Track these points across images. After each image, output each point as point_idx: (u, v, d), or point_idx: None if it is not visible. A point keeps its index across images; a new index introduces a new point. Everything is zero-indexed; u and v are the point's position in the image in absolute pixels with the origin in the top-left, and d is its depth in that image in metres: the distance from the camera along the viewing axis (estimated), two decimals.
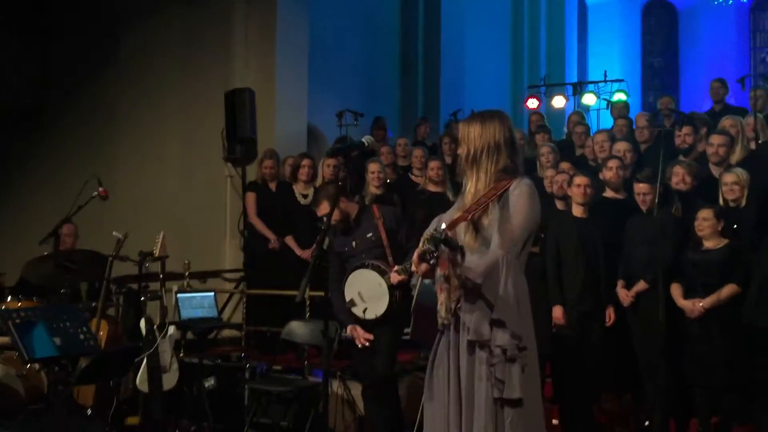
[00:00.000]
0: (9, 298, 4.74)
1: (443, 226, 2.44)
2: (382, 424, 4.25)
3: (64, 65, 8.54)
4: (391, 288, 4.16)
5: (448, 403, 2.70)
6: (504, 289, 2.62)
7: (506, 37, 13.07)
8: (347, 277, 4.29)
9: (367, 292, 4.23)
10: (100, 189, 5.00)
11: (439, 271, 2.59)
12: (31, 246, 5.28)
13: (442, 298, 2.61)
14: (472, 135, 2.78)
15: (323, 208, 4.22)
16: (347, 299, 4.27)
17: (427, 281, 2.68)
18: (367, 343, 4.20)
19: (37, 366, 4.53)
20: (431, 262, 2.45)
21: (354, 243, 4.35)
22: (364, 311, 4.23)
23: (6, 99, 8.70)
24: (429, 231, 2.51)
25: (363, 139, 3.14)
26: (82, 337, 3.65)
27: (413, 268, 2.66)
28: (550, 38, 13.51)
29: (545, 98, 11.03)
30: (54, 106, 8.61)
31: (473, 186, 2.76)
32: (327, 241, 3.99)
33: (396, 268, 4.16)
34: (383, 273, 4.20)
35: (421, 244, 2.45)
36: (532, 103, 10.56)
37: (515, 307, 2.65)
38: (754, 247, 4.50)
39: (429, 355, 2.84)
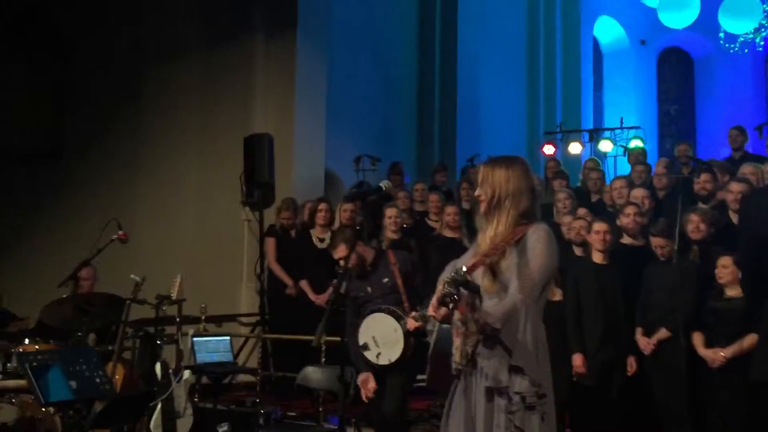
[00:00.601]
0: (27, 341, 4.75)
1: (464, 269, 2.43)
2: None
3: (84, 108, 8.69)
4: (407, 334, 4.12)
5: None
6: (523, 334, 2.61)
7: (522, 83, 13.18)
8: (363, 322, 4.27)
9: (382, 337, 4.20)
10: (120, 232, 5.03)
11: (456, 315, 2.58)
12: (50, 289, 5.31)
13: (457, 342, 2.59)
14: (497, 178, 2.77)
15: (340, 251, 4.23)
16: (361, 343, 4.23)
17: (445, 326, 2.65)
18: (371, 395, 4.18)
19: (51, 410, 4.51)
20: (450, 305, 2.43)
21: (369, 288, 4.34)
22: (378, 356, 4.20)
23: (25, 142, 8.86)
24: (448, 275, 2.49)
25: (381, 184, 3.16)
26: (97, 380, 3.65)
27: (431, 312, 2.64)
28: (566, 85, 13.60)
29: (561, 144, 11.07)
30: (73, 150, 8.74)
31: (492, 230, 2.74)
32: (343, 285, 3.97)
33: (413, 314, 4.12)
34: (399, 318, 4.17)
35: (440, 287, 2.44)
36: (549, 150, 10.59)
37: (534, 353, 2.63)
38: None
39: (444, 402, 2.81)
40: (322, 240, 6.38)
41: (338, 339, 4.05)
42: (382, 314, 4.22)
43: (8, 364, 4.48)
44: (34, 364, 3.47)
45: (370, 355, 4.22)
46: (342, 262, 4.23)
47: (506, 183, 2.77)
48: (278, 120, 7.70)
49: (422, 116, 11.32)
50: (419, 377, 4.11)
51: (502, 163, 2.82)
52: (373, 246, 4.66)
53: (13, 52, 8.80)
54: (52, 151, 8.80)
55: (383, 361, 4.19)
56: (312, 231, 6.51)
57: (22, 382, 4.19)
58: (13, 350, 4.52)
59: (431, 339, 2.81)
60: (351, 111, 9.27)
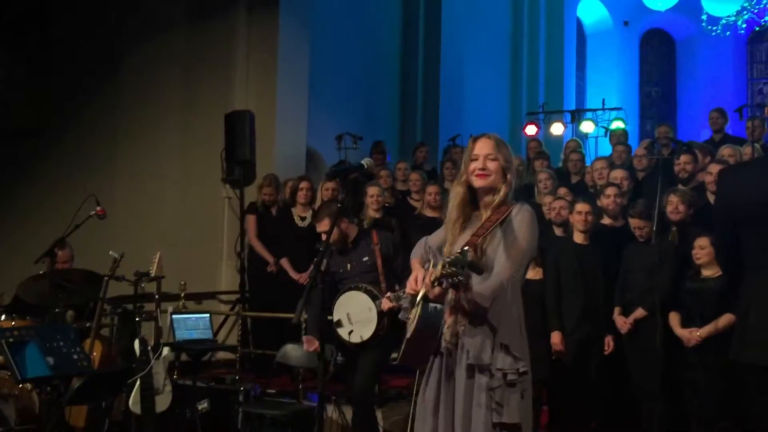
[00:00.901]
0: (3, 317, 4.70)
1: (468, 249, 2.41)
2: None
3: (65, 85, 8.57)
4: (381, 314, 4.18)
5: (438, 426, 2.68)
6: (508, 312, 2.64)
7: (505, 63, 13.17)
8: (338, 297, 4.31)
9: (356, 315, 4.25)
10: (98, 208, 4.98)
11: (450, 295, 2.58)
12: (27, 265, 5.26)
13: (449, 321, 2.59)
14: (506, 154, 2.78)
15: (324, 225, 4.24)
16: (335, 319, 4.29)
17: (431, 306, 2.65)
18: (312, 349, 4.26)
19: (29, 386, 4.49)
20: (456, 284, 2.40)
21: (349, 265, 4.36)
22: (350, 333, 4.25)
23: (6, 118, 8.73)
24: (449, 254, 2.44)
25: (362, 162, 3.14)
26: (75, 357, 3.63)
27: (422, 290, 2.64)
28: (549, 66, 13.62)
29: (543, 125, 11.10)
30: (54, 126, 8.62)
31: (486, 209, 2.74)
32: (324, 262, 3.97)
33: (388, 294, 4.19)
34: (375, 298, 4.22)
35: (439, 267, 2.41)
36: (531, 130, 10.61)
37: (519, 331, 2.67)
38: None
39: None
40: (303, 218, 6.36)
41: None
42: (359, 292, 4.27)
43: None
44: (11, 340, 3.44)
45: (342, 332, 4.27)
46: (324, 236, 4.24)
47: (511, 159, 2.79)
48: (260, 97, 7.63)
49: (405, 95, 11.28)
50: (393, 355, 4.15)
51: (501, 140, 2.81)
52: (357, 224, 4.66)
53: None
54: (31, 128, 8.68)
55: (355, 338, 4.24)
56: (293, 209, 6.49)
57: None
58: None
59: (409, 318, 2.82)
60: (333, 89, 9.21)
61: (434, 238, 2.95)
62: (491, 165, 2.75)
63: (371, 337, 4.20)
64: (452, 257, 2.39)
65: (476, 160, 2.77)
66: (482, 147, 2.78)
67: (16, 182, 8.67)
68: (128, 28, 8.26)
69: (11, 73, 8.72)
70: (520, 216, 2.70)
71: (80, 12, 8.47)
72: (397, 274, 4.27)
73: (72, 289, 4.87)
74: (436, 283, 2.52)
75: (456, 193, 2.82)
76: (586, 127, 10.72)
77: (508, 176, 2.77)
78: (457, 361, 2.67)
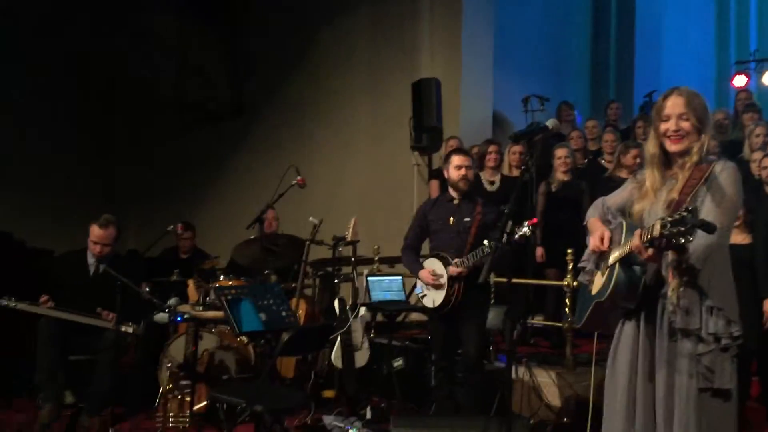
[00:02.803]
0: (222, 277, 5.25)
1: (694, 209, 2.29)
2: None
3: (262, 64, 9.24)
4: (450, 279, 4.20)
5: (635, 389, 2.61)
6: (720, 275, 2.52)
7: (710, 6, 12.07)
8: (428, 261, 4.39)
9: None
10: (299, 178, 5.35)
11: (671, 256, 2.49)
12: (239, 231, 5.80)
13: (674, 284, 2.49)
14: (700, 109, 2.61)
15: (463, 160, 4.36)
16: (417, 289, 4.44)
17: (622, 273, 2.57)
18: (434, 280, 4.27)
19: (245, 339, 4.99)
20: (681, 246, 2.29)
21: (451, 219, 4.38)
22: (423, 298, 4.37)
23: (211, 98, 9.63)
24: (671, 215, 2.30)
25: (547, 123, 3.08)
26: (284, 314, 3.96)
27: (619, 252, 2.56)
28: (762, 6, 12.26)
29: (755, 75, 10.06)
30: (253, 104, 9.36)
31: (686, 168, 2.59)
32: (509, 224, 3.91)
33: (455, 260, 4.18)
34: (447, 264, 4.24)
35: (658, 227, 2.30)
36: (740, 81, 9.67)
37: (731, 294, 2.53)
38: None
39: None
40: (492, 183, 6.36)
41: (505, 280, 4.08)
42: (433, 259, 4.34)
43: (207, 298, 4.99)
44: (229, 297, 3.83)
45: (426, 300, 4.36)
46: (461, 171, 4.30)
47: (706, 114, 2.62)
48: (445, 64, 7.71)
49: (596, 49, 10.78)
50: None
51: (694, 93, 2.64)
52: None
53: (189, 21, 9.53)
54: (233, 106, 9.49)
55: (428, 303, 4.33)
56: (481, 173, 6.51)
57: (219, 314, 4.67)
58: (211, 285, 5.02)
59: (592, 280, 2.74)
60: (519, 50, 9.04)
61: (614, 199, 2.84)
62: (685, 125, 2.59)
63: (443, 303, 4.24)
64: (677, 216, 2.24)
65: (667, 120, 2.62)
66: (674, 106, 2.61)
67: (225, 157, 9.56)
68: (318, 7, 8.67)
69: (214, 54, 9.55)
70: (726, 173, 2.54)
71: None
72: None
73: (278, 253, 5.30)
74: (648, 245, 2.42)
75: (651, 155, 2.68)
76: None
77: (706, 133, 2.61)
78: (659, 326, 2.57)
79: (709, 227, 2.26)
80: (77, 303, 4.66)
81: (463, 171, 4.38)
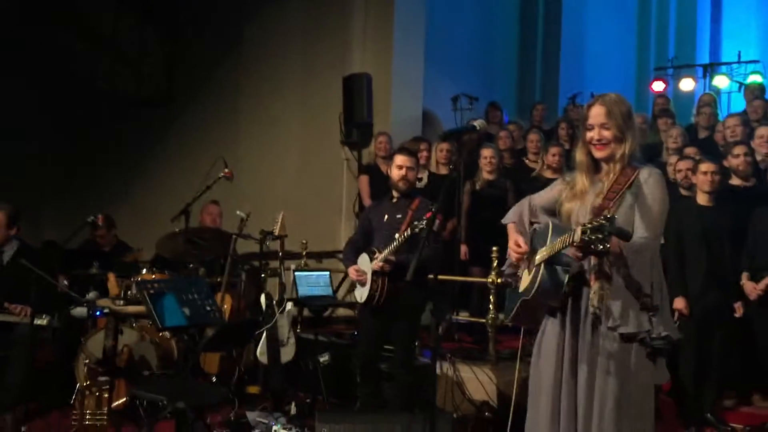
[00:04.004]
0: (144, 271, 5.12)
1: (614, 216, 2.39)
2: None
3: (190, 53, 9.03)
4: (373, 274, 4.23)
5: (560, 388, 2.70)
6: (651, 275, 2.60)
7: (632, 15, 12.50)
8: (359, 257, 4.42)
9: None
10: (226, 170, 5.27)
11: (593, 261, 2.58)
12: (163, 223, 5.66)
13: (595, 287, 2.58)
14: (622, 116, 2.68)
15: (405, 161, 4.33)
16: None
17: (544, 271, 2.64)
18: (356, 276, 4.31)
19: (168, 334, 4.89)
20: (600, 251, 2.37)
21: (386, 216, 4.39)
22: (358, 294, 4.42)
23: (138, 86, 9.35)
24: (591, 221, 2.38)
25: (474, 123, 3.14)
26: (208, 308, 3.88)
27: (543, 253, 2.63)
28: (681, 16, 12.79)
29: (672, 81, 10.51)
30: (182, 93, 9.14)
31: (612, 171, 2.69)
32: (436, 223, 3.97)
33: (377, 255, 4.23)
34: (372, 259, 4.28)
35: (578, 233, 2.38)
36: (658, 86, 10.09)
37: (660, 295, 2.63)
38: None
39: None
40: (419, 179, 6.42)
41: (431, 277, 4.12)
42: (364, 255, 4.37)
43: (129, 292, 4.85)
44: (152, 291, 3.73)
45: (357, 295, 4.41)
46: (401, 171, 4.30)
47: (628, 121, 2.69)
48: (377, 60, 7.72)
49: (523, 53, 11.01)
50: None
51: (620, 100, 2.72)
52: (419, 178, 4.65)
53: (123, 10, 9.25)
54: (161, 95, 9.25)
55: (358, 298, 4.38)
56: None
57: (140, 308, 4.55)
58: (132, 279, 4.88)
59: (518, 278, 2.82)
60: (450, 49, 9.14)
61: (540, 199, 2.93)
62: (606, 134, 2.69)
63: (368, 298, 4.25)
64: (595, 223, 2.33)
65: (591, 129, 2.72)
66: (596, 116, 2.71)
67: (151, 146, 9.29)
68: None
69: (144, 44, 9.29)
70: (652, 180, 2.64)
71: None
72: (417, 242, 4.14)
73: (204, 246, 5.21)
74: (574, 249, 2.50)
75: (580, 162, 2.78)
76: (720, 81, 10.05)
77: (628, 139, 2.68)
78: (582, 324, 2.66)
79: (624, 234, 2.37)
80: None
81: (403, 171, 4.35)
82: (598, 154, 2.71)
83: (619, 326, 2.56)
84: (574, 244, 2.44)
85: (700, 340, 4.57)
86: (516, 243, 2.82)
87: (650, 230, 2.57)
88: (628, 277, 2.56)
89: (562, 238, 2.54)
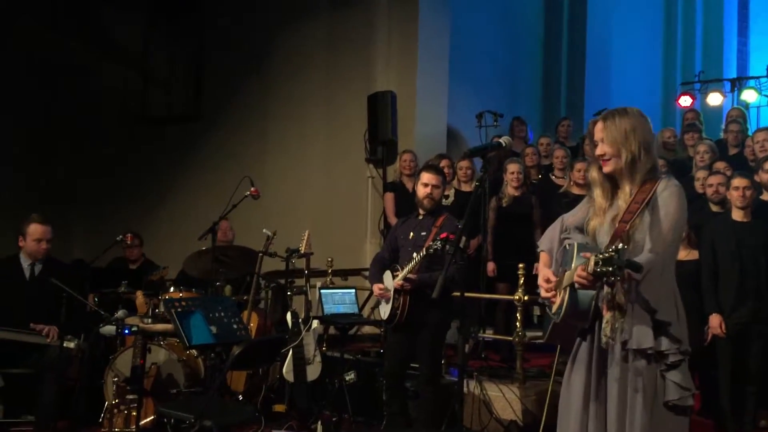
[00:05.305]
0: (171, 289, 5.15)
1: (624, 248, 2.35)
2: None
3: (218, 73, 9.14)
4: (395, 292, 4.23)
5: (589, 414, 2.65)
6: (665, 294, 2.56)
7: (658, 30, 12.43)
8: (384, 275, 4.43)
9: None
10: (252, 189, 5.31)
11: (606, 290, 2.54)
12: (190, 242, 5.71)
13: (607, 317, 2.54)
14: (616, 131, 2.63)
15: (431, 178, 4.34)
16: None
17: (582, 292, 2.61)
18: (380, 293, 4.35)
19: (195, 352, 4.91)
20: (612, 283, 2.38)
21: (411, 234, 4.38)
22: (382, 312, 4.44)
23: (167, 106, 9.48)
24: (603, 251, 2.35)
25: (500, 140, 3.13)
26: (235, 326, 3.91)
27: (567, 278, 2.60)
28: (707, 31, 12.68)
29: (700, 96, 10.39)
30: (209, 113, 9.23)
31: (628, 189, 2.64)
32: (463, 239, 3.95)
33: (398, 273, 4.23)
34: (395, 277, 4.29)
35: (591, 264, 2.35)
36: (685, 101, 9.96)
37: (675, 310, 2.59)
38: None
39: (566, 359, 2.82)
40: (446, 197, 6.40)
41: (457, 294, 4.09)
42: (388, 272, 4.37)
43: (156, 310, 4.89)
44: (179, 309, 3.76)
45: (381, 312, 4.42)
46: (427, 189, 4.30)
47: (625, 134, 2.62)
48: (401, 78, 7.76)
49: (548, 69, 10.98)
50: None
51: (626, 115, 2.65)
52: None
53: (157, 29, 9.40)
54: (189, 115, 9.37)
55: (382, 315, 4.39)
56: None
57: (168, 326, 4.58)
58: (160, 297, 4.92)
59: (564, 303, 2.78)
60: (474, 66, 9.15)
61: (573, 218, 2.89)
62: (607, 149, 2.66)
63: (390, 316, 4.26)
64: (606, 255, 2.30)
65: (597, 145, 2.72)
66: (597, 132, 2.70)
67: (178, 165, 9.39)
68: (275, 15, 8.64)
69: (173, 63, 9.44)
70: (667, 192, 2.59)
71: (229, 7, 8.97)
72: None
73: (230, 264, 5.23)
74: (586, 276, 2.46)
75: (593, 179, 2.75)
76: (748, 96, 9.92)
77: (623, 154, 2.60)
78: (611, 347, 2.61)
79: (634, 267, 2.34)
80: (12, 313, 4.50)
81: (429, 189, 4.35)
82: (605, 169, 2.69)
83: (637, 347, 2.54)
84: (587, 273, 2.43)
85: (736, 355, 4.48)
86: (546, 279, 2.77)
87: (658, 245, 2.52)
88: (638, 294, 2.53)
89: (581, 267, 2.51)
